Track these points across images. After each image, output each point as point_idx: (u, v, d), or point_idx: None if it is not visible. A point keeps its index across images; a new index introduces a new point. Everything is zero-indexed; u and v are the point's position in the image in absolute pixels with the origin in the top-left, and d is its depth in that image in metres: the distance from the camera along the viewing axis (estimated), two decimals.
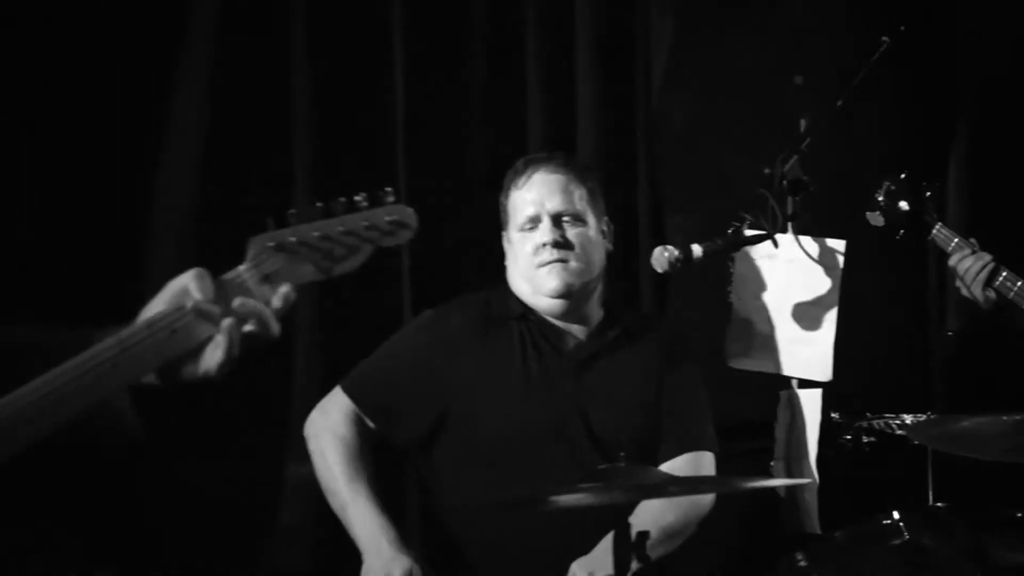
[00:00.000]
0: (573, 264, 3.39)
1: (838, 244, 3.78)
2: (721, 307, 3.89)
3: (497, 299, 3.57)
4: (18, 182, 3.51)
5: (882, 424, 4.15)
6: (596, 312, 3.55)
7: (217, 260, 2.00)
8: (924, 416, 4.13)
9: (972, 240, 3.84)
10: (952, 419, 3.60)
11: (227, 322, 1.82)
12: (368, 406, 3.33)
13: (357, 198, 1.95)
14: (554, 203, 3.42)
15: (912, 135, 4.99)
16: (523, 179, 3.48)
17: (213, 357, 1.84)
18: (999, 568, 3.53)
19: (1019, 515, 3.68)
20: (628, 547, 2.78)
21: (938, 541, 3.30)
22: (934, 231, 3.81)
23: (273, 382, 3.69)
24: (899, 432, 4.16)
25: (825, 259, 3.79)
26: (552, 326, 3.50)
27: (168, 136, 3.71)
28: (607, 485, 2.74)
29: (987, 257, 3.78)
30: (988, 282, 3.77)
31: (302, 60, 3.92)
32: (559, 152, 3.66)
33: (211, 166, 3.79)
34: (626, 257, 4.11)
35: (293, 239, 1.89)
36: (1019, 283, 3.80)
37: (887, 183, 3.79)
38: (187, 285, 1.88)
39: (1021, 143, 5.02)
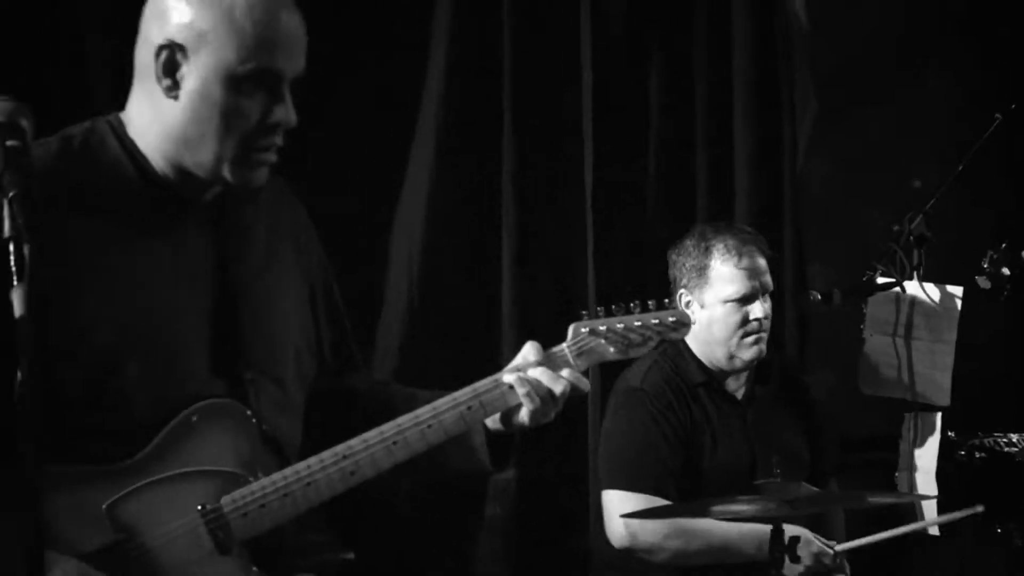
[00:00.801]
0: (766, 336, 3.49)
1: (957, 290, 3.94)
2: (856, 343, 3.97)
3: (681, 368, 3.51)
4: None
5: (991, 442, 4.16)
6: None
7: None
8: None
9: None
10: None
11: (560, 387, 2.12)
12: (660, 490, 3.28)
13: (639, 302, 2.26)
14: (766, 282, 3.46)
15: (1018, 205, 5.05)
16: (737, 253, 3.46)
17: (525, 414, 2.12)
18: None
19: None
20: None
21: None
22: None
23: None
24: (1007, 449, 4.17)
25: (945, 302, 3.96)
26: (724, 385, 3.55)
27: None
28: (768, 498, 2.91)
29: None
30: None
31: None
32: (752, 230, 3.66)
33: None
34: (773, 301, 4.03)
35: (604, 327, 2.21)
36: None
37: (991, 252, 3.86)
38: (526, 351, 2.20)
39: None
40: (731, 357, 3.44)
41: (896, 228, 3.96)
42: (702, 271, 3.46)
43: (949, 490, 3.89)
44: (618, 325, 2.23)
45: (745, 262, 3.42)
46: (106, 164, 2.01)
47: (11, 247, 1.54)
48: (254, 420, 2.06)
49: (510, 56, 3.87)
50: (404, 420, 2.10)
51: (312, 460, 2.05)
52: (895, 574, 3.40)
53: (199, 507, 1.96)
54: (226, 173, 2.00)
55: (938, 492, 3.85)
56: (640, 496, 3.27)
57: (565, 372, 2.13)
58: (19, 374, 1.51)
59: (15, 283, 1.54)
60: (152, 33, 1.98)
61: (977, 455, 4.12)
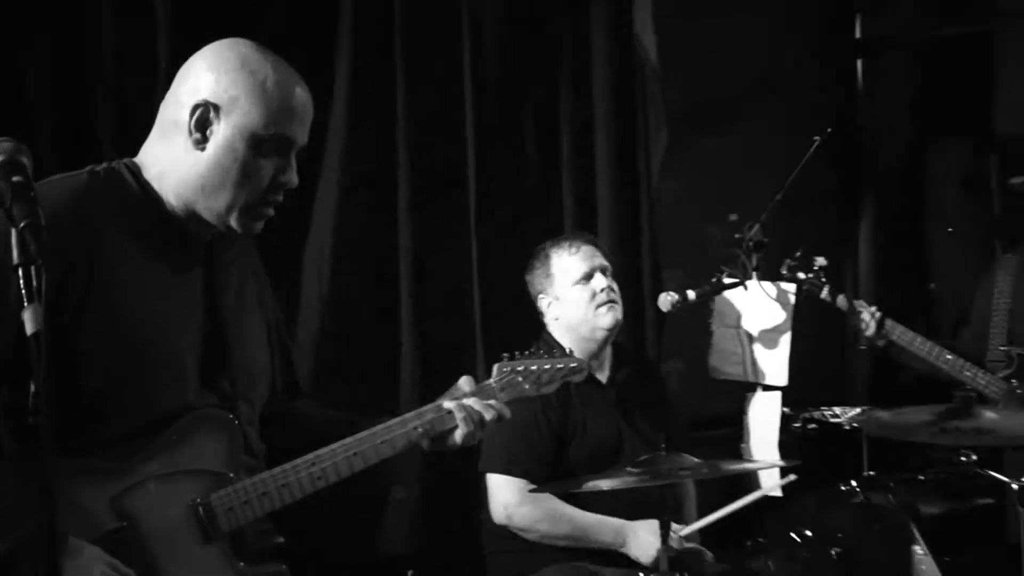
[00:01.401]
0: (618, 306, 3.50)
1: (790, 287, 4.06)
2: (705, 335, 4.10)
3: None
4: None
5: (820, 415, 4.27)
6: (608, 354, 3.61)
7: None
8: (858, 409, 4.26)
9: (860, 300, 4.14)
10: (880, 410, 3.74)
11: (490, 414, 2.26)
12: (531, 474, 3.28)
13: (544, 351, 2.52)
14: (602, 262, 3.52)
15: (830, 215, 5.33)
16: (570, 245, 3.55)
17: (459, 436, 2.24)
18: (924, 517, 3.77)
19: (929, 479, 3.92)
20: None
21: (883, 500, 3.36)
22: (823, 294, 4.03)
23: None
24: (832, 421, 4.28)
25: (781, 298, 4.06)
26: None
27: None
28: (655, 469, 2.90)
29: (876, 313, 4.06)
30: (878, 329, 4.04)
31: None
32: (587, 234, 3.76)
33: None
34: (634, 302, 4.15)
35: (522, 368, 2.42)
36: (899, 329, 4.06)
37: (788, 260, 4.04)
38: (462, 383, 2.35)
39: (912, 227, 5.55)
40: (593, 329, 3.46)
41: (737, 236, 4.03)
42: (548, 271, 3.52)
43: (789, 456, 3.98)
44: (532, 367, 2.42)
45: (577, 249, 3.49)
46: (126, 197, 2.04)
47: (21, 272, 1.51)
48: (239, 429, 2.11)
49: (403, 104, 3.84)
50: (363, 436, 2.18)
51: (287, 466, 2.10)
52: (751, 532, 3.48)
53: (191, 501, 2.00)
54: (233, 220, 2.04)
55: (780, 459, 3.95)
56: (514, 479, 3.29)
57: (492, 402, 2.28)
58: (32, 387, 1.48)
59: (25, 304, 1.51)
60: (187, 93, 2.02)
61: (810, 426, 4.22)
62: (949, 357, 4.07)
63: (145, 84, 3.21)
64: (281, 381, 2.36)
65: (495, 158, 4.18)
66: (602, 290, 3.45)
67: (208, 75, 2.02)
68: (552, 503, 3.31)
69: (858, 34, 5.47)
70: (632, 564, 3.31)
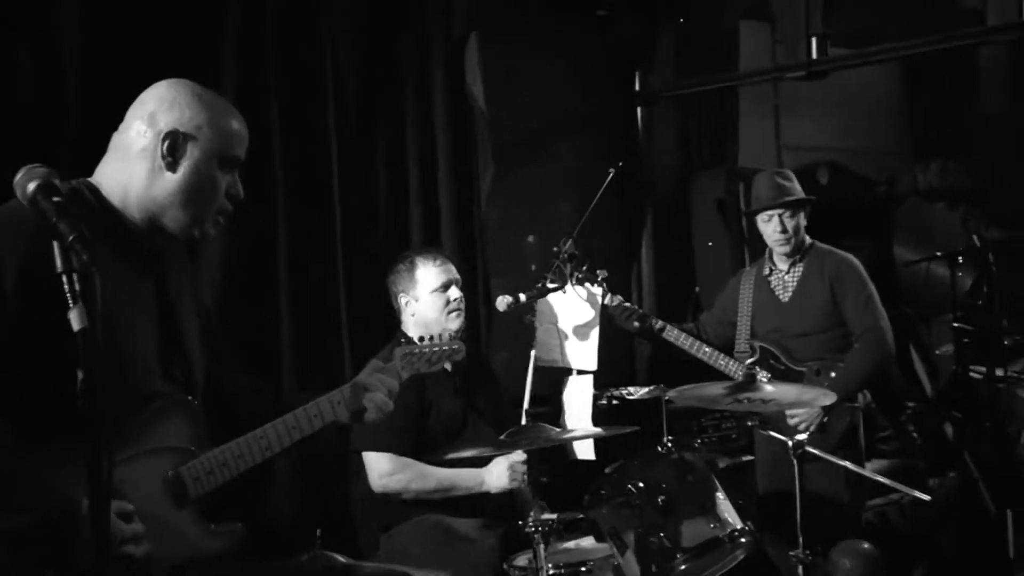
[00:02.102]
0: (463, 313, 3.58)
1: (598, 291, 4.09)
2: (529, 329, 3.97)
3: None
4: None
5: (619, 393, 4.64)
6: None
7: None
8: (648, 388, 4.60)
9: (618, 296, 4.17)
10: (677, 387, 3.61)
11: (380, 397, 2.23)
12: (398, 447, 3.31)
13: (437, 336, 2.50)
14: (455, 276, 3.58)
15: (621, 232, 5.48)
16: (434, 259, 3.58)
17: (372, 408, 2.22)
18: (717, 468, 4.06)
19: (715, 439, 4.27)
20: None
21: (693, 456, 3.44)
22: (605, 300, 4.09)
23: None
24: (628, 397, 4.63)
25: (590, 299, 4.09)
26: None
27: None
28: (521, 438, 2.98)
29: (633, 307, 4.21)
30: (637, 320, 4.16)
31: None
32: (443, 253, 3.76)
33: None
34: (470, 304, 3.99)
35: (418, 351, 2.42)
36: (671, 329, 4.16)
37: (576, 273, 4.05)
38: (372, 365, 2.32)
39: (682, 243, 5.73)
40: (443, 329, 3.35)
41: (555, 249, 4.08)
42: (412, 276, 3.53)
43: (601, 424, 4.14)
44: (426, 350, 2.43)
45: (440, 263, 3.54)
46: (91, 214, 1.97)
47: (65, 279, 1.52)
48: (199, 409, 2.12)
49: (278, 141, 3.86)
50: (298, 411, 2.17)
51: (240, 440, 2.09)
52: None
53: (165, 474, 2.00)
54: (196, 229, 2.05)
55: (594, 428, 4.03)
56: (385, 453, 3.32)
57: (396, 379, 2.31)
58: (80, 375, 1.49)
59: (71, 305, 1.51)
60: (147, 124, 2.01)
61: (613, 402, 4.52)
62: (707, 350, 4.16)
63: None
64: (210, 368, 2.31)
65: (356, 183, 4.21)
66: (454, 300, 3.51)
67: (171, 109, 2.01)
68: (418, 467, 3.34)
69: (637, 87, 5.59)
70: (482, 514, 3.38)
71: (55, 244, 1.58)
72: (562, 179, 5.09)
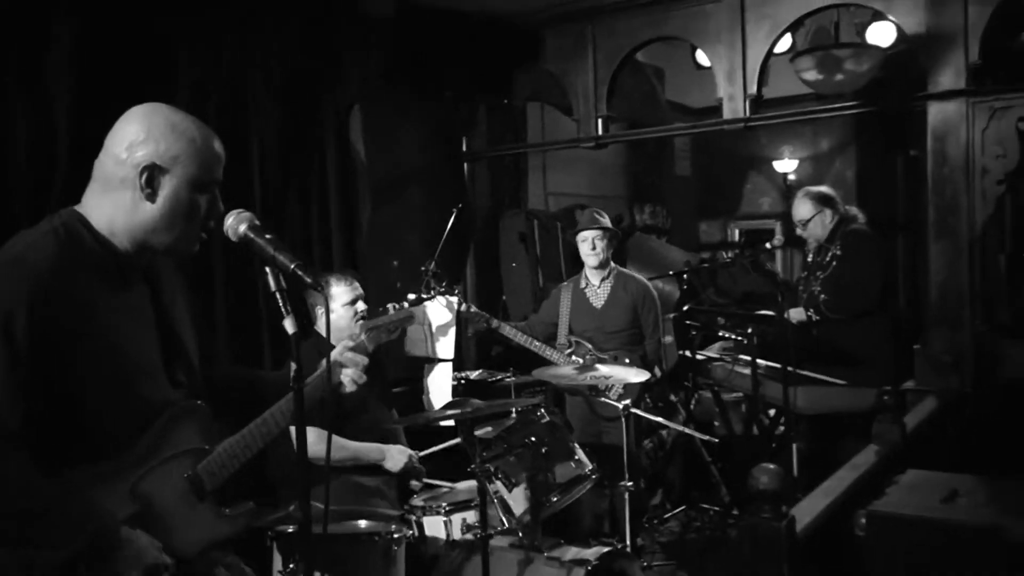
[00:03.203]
0: (365, 319, 3.26)
1: (455, 300, 4.25)
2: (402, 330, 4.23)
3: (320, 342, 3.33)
4: None
5: (466, 375, 4.72)
6: None
7: None
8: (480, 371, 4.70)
9: (469, 303, 4.30)
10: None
11: (353, 371, 1.99)
12: (323, 424, 2.90)
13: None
14: (361, 292, 3.45)
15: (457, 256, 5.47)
16: (346, 280, 3.47)
17: (347, 380, 1.98)
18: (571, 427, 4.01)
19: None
20: None
21: (558, 418, 3.47)
22: (448, 299, 4.17)
23: None
24: (493, 381, 4.67)
25: (448, 306, 4.24)
26: None
27: None
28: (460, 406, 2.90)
29: (481, 312, 4.27)
30: (485, 322, 4.26)
31: None
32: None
33: None
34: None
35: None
36: (506, 327, 4.23)
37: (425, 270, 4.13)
38: (344, 343, 2.02)
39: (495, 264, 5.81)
40: (352, 333, 3.10)
41: (423, 268, 4.19)
42: (327, 294, 3.40)
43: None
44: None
45: (349, 283, 3.45)
46: (85, 245, 1.74)
47: (278, 296, 1.54)
48: (207, 410, 1.90)
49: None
50: (286, 397, 1.93)
51: (243, 431, 1.91)
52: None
53: (184, 475, 1.83)
54: (180, 247, 1.81)
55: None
56: (313, 428, 2.92)
57: (365, 354, 2.05)
58: (292, 369, 1.53)
59: (285, 315, 1.55)
60: (126, 156, 1.74)
61: (463, 382, 4.63)
62: (537, 343, 4.30)
63: None
64: (201, 360, 2.04)
65: (274, 215, 4.16)
66: (361, 311, 3.45)
67: (147, 141, 1.73)
68: (336, 440, 3.20)
69: (464, 148, 5.67)
70: (382, 474, 3.35)
71: (268, 270, 1.62)
72: (416, 216, 5.12)
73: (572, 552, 2.88)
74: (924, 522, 2.33)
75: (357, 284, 3.50)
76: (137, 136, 1.73)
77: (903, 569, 2.35)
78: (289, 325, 1.61)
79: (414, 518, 3.12)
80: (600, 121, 5.06)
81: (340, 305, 3.45)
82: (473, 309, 4.28)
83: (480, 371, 4.73)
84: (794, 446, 4.60)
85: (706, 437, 3.86)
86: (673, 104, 7.92)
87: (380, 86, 4.67)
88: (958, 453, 3.57)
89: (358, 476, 3.33)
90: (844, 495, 2.69)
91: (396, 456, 3.36)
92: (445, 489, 3.41)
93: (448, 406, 3.11)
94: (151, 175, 1.73)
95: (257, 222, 1.74)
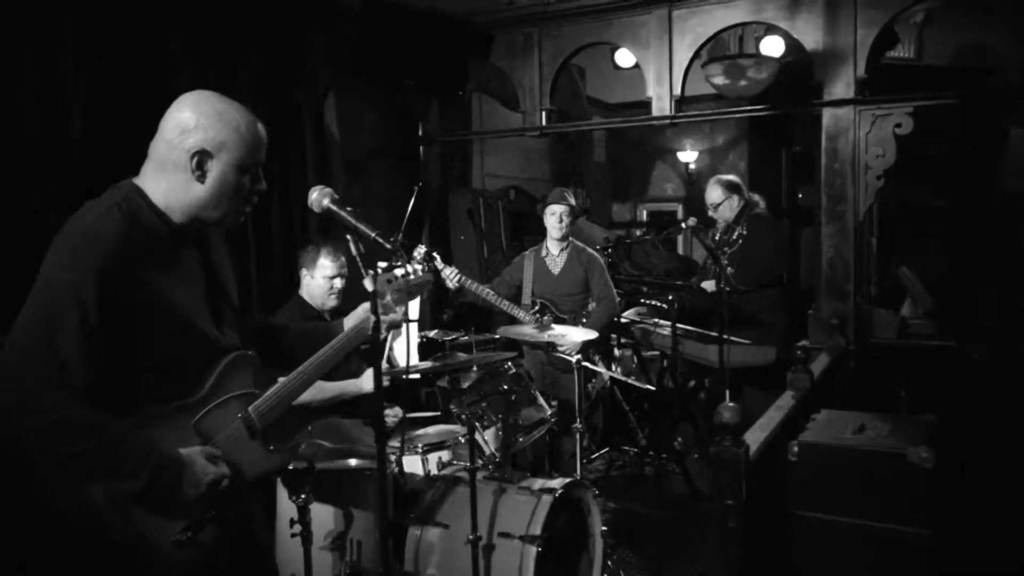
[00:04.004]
0: (340, 296, 3.43)
1: (427, 276, 4.18)
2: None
3: (303, 304, 3.38)
4: None
5: (425, 334, 4.51)
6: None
7: None
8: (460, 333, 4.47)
9: (453, 267, 4.19)
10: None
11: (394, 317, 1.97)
12: None
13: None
14: (343, 271, 3.44)
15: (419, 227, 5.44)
16: (332, 255, 3.40)
17: (383, 332, 1.91)
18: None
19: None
20: None
21: (523, 370, 3.50)
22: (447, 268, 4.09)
23: None
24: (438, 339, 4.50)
25: (414, 272, 4.29)
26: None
27: None
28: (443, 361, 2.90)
29: (457, 275, 4.15)
30: (458, 281, 4.10)
31: None
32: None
33: None
34: None
35: (403, 282, 2.03)
36: (473, 285, 4.18)
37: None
38: (362, 309, 2.07)
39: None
40: (324, 304, 3.41)
41: (392, 240, 3.83)
42: (315, 261, 3.42)
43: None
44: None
45: (334, 259, 3.43)
46: (144, 217, 1.76)
47: (359, 259, 1.60)
48: (256, 358, 1.92)
49: None
50: (324, 348, 1.97)
51: (286, 377, 1.94)
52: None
53: (239, 415, 1.87)
54: (226, 220, 1.83)
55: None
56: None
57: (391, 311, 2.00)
58: (372, 317, 1.60)
59: (365, 275, 1.61)
60: (178, 140, 1.76)
61: (423, 340, 4.39)
62: (505, 302, 4.28)
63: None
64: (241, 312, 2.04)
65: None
66: (336, 289, 3.43)
67: (196, 128, 1.75)
68: (319, 384, 2.72)
69: (420, 132, 5.61)
70: (362, 415, 3.34)
71: (349, 237, 1.71)
72: (380, 191, 5.06)
73: (539, 483, 2.98)
74: (843, 448, 2.59)
75: (344, 262, 3.47)
76: (188, 123, 1.75)
77: (828, 485, 2.60)
78: (368, 284, 1.71)
79: (393, 457, 3.14)
80: (544, 113, 5.14)
81: (321, 276, 3.43)
82: (455, 272, 4.24)
83: (436, 331, 4.74)
84: (702, 395, 4.92)
85: (645, 386, 4.05)
86: (591, 100, 8.07)
87: (350, 78, 4.65)
88: (849, 397, 3.94)
89: (340, 417, 3.37)
90: (777, 428, 2.87)
91: (364, 381, 3.37)
92: (419, 433, 3.44)
93: (439, 358, 3.20)
94: (201, 159, 1.75)
95: (336, 196, 1.80)
